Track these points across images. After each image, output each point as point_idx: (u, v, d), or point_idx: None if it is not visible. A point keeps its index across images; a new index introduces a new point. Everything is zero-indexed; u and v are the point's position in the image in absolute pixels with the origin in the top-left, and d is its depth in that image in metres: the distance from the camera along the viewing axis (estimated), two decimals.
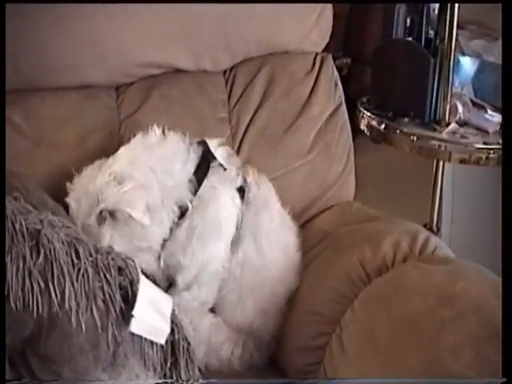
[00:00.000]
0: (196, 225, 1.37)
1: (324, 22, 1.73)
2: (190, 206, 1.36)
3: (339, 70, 4.11)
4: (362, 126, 1.99)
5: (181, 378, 1.21)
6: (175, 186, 1.36)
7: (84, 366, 1.14)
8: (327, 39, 1.75)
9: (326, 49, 1.79)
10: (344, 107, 1.74)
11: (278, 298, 1.44)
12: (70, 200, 1.35)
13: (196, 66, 1.64)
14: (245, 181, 1.44)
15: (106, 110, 1.61)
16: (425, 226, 2.22)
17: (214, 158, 1.40)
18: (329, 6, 1.74)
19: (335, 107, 1.71)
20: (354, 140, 2.76)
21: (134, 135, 1.43)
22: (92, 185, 1.32)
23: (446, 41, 1.84)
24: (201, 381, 1.24)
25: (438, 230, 2.24)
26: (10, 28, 1.51)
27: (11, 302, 1.07)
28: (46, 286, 1.09)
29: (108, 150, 1.51)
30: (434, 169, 2.17)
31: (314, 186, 1.64)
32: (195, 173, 1.38)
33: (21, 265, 1.07)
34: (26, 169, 1.43)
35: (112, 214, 1.31)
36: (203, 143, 1.42)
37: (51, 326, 1.10)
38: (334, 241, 1.49)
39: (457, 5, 1.81)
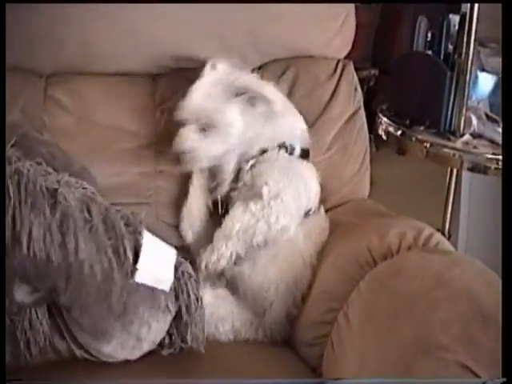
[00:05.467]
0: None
1: (347, 30, 1.87)
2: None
3: (367, 80, 4.20)
4: (380, 132, 2.13)
5: (190, 318, 1.38)
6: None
7: (99, 314, 1.31)
8: (349, 47, 1.89)
9: (350, 58, 1.91)
10: (362, 111, 1.87)
11: (309, 272, 1.59)
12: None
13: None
14: None
15: (142, 95, 1.77)
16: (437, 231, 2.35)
17: None
18: (352, 15, 1.87)
19: (354, 110, 1.85)
20: (378, 150, 2.89)
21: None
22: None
23: (463, 56, 1.96)
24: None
25: (450, 236, 2.35)
26: (56, 15, 1.69)
27: (36, 253, 1.23)
28: (63, 239, 1.24)
29: (143, 131, 1.71)
30: (448, 177, 2.29)
31: (331, 181, 1.76)
32: None
33: (42, 220, 1.24)
34: (70, 142, 1.58)
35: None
36: None
37: (69, 276, 1.26)
38: (346, 230, 1.63)
39: (475, 21, 1.93)
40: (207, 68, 1.57)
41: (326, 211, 1.73)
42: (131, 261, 1.30)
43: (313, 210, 1.63)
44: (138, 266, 1.29)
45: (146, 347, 1.39)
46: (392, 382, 1.21)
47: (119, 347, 1.36)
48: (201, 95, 1.55)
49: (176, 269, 1.36)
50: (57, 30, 1.71)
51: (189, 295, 1.37)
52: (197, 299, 1.39)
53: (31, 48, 1.73)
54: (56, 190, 1.27)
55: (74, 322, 1.34)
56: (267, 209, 1.51)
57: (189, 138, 1.55)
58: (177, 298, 1.37)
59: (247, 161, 1.59)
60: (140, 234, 1.32)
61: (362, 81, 4.03)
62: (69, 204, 1.26)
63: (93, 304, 1.30)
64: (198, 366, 1.42)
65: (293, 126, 1.64)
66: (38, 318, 1.35)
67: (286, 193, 1.53)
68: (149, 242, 1.33)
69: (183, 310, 1.38)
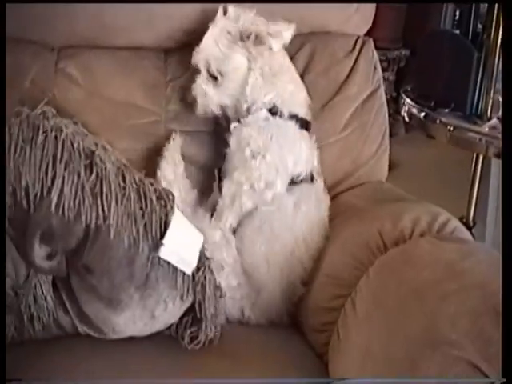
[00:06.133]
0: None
1: (367, 6, 1.79)
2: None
3: (397, 61, 4.12)
4: (403, 113, 2.07)
5: (205, 314, 1.35)
6: None
7: (119, 281, 1.30)
8: (369, 24, 1.83)
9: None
10: (382, 90, 1.81)
11: (306, 255, 1.55)
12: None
13: None
14: None
15: (153, 70, 1.73)
16: (461, 219, 2.27)
17: None
18: None
19: (373, 89, 1.79)
20: (407, 132, 2.82)
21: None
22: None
23: (492, 36, 1.88)
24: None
25: (474, 224, 2.28)
26: None
27: (65, 211, 1.24)
28: (95, 200, 1.25)
29: (153, 107, 1.68)
30: (474, 163, 2.21)
31: (347, 161, 1.74)
32: None
33: (75, 180, 1.25)
34: (79, 116, 1.53)
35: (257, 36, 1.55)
36: None
37: (95, 237, 1.27)
38: (358, 212, 1.58)
39: None
40: (218, 14, 1.58)
41: (341, 193, 1.69)
42: (158, 234, 1.29)
43: (302, 176, 1.58)
44: (164, 241, 1.28)
45: (157, 327, 1.38)
46: (398, 382, 1.16)
47: (131, 321, 1.35)
48: (210, 44, 1.58)
49: (200, 258, 1.34)
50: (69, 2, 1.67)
51: (205, 289, 1.35)
52: (214, 294, 1.37)
53: (43, 20, 1.69)
54: (93, 152, 1.28)
55: (90, 288, 1.32)
56: (249, 169, 1.52)
57: (201, 86, 1.60)
58: (194, 288, 1.35)
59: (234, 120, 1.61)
60: (171, 209, 1.31)
61: (392, 61, 3.97)
62: (105, 166, 1.27)
63: (115, 269, 1.29)
64: (204, 348, 1.39)
65: (284, 88, 1.61)
66: (42, 293, 1.34)
67: (268, 150, 1.53)
68: (178, 220, 1.32)
69: (197, 302, 1.36)
